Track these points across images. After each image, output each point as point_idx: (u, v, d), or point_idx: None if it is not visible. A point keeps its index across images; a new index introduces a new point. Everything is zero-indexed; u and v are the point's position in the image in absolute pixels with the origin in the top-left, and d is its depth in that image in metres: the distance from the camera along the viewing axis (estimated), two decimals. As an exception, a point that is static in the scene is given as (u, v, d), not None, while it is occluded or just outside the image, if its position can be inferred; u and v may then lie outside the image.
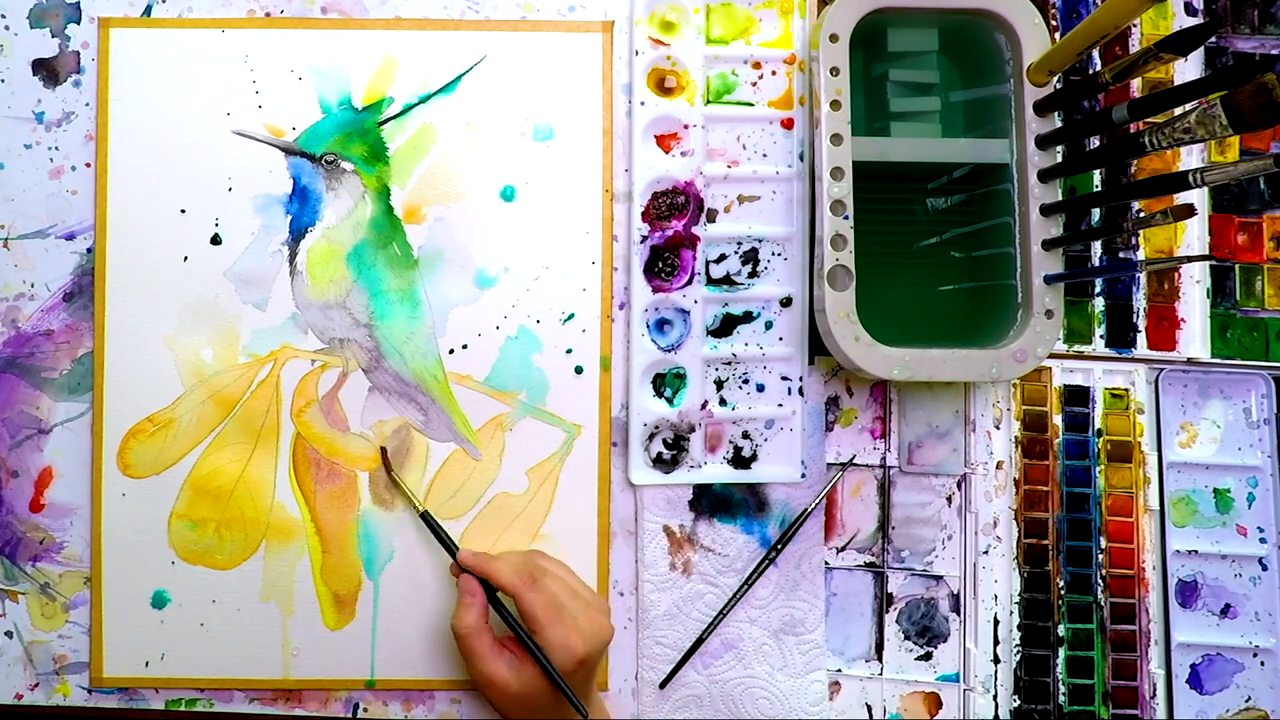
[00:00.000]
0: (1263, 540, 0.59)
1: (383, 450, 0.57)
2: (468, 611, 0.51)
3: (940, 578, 0.59)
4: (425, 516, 0.56)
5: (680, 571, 0.58)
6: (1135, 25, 0.62)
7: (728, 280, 0.59)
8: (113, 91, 0.58)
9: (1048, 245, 0.54)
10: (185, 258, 0.58)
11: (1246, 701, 0.58)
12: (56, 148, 0.59)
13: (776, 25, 0.60)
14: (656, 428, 0.58)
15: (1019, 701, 0.58)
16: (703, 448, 0.58)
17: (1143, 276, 0.61)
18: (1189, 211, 0.46)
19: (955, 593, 0.58)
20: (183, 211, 0.58)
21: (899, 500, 0.59)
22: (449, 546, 0.55)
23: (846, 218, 0.53)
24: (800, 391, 0.59)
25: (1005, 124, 0.56)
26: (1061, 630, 0.58)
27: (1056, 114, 0.58)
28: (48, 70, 0.59)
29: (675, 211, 0.59)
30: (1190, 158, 0.61)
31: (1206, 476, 0.60)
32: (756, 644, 0.58)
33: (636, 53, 0.59)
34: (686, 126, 0.59)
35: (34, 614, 0.58)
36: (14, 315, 0.58)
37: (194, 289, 0.58)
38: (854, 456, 0.59)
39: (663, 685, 0.57)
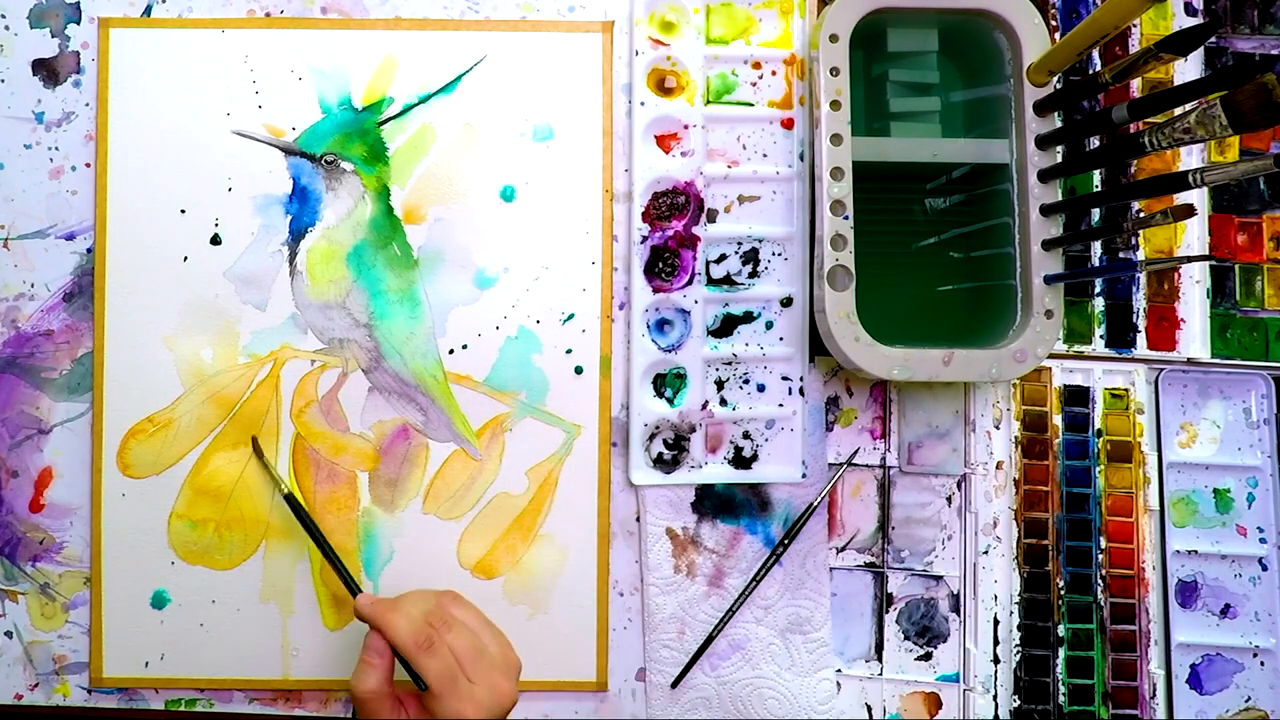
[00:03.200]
0: (1262, 540, 0.59)
1: (254, 439, 0.57)
2: (370, 674, 0.47)
3: (940, 578, 0.59)
4: (290, 498, 0.54)
5: (684, 574, 0.58)
6: (1135, 25, 0.62)
7: (728, 280, 0.59)
8: (113, 91, 0.58)
9: (1048, 245, 0.54)
10: (185, 258, 0.58)
11: (1246, 701, 0.58)
12: (56, 148, 0.59)
13: (776, 25, 0.60)
14: (657, 428, 0.58)
15: (1019, 701, 0.58)
16: (703, 448, 0.58)
17: (1143, 276, 0.61)
18: (1189, 211, 0.46)
19: (955, 593, 0.58)
20: (183, 211, 0.58)
21: (899, 500, 0.59)
22: (349, 584, 0.53)
23: (846, 218, 0.53)
24: (800, 391, 0.59)
25: (1005, 124, 0.56)
26: (1061, 630, 0.58)
27: (1056, 114, 0.58)
28: (48, 70, 0.59)
29: (675, 211, 0.59)
30: (1190, 158, 0.61)
31: (1206, 476, 0.60)
32: (764, 644, 0.58)
33: (636, 53, 0.59)
34: (686, 126, 0.59)
35: (34, 614, 0.58)
36: (14, 315, 0.58)
37: (194, 289, 0.58)
38: (858, 450, 0.59)
39: (674, 685, 0.57)
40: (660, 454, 0.58)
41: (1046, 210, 0.54)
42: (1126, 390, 0.60)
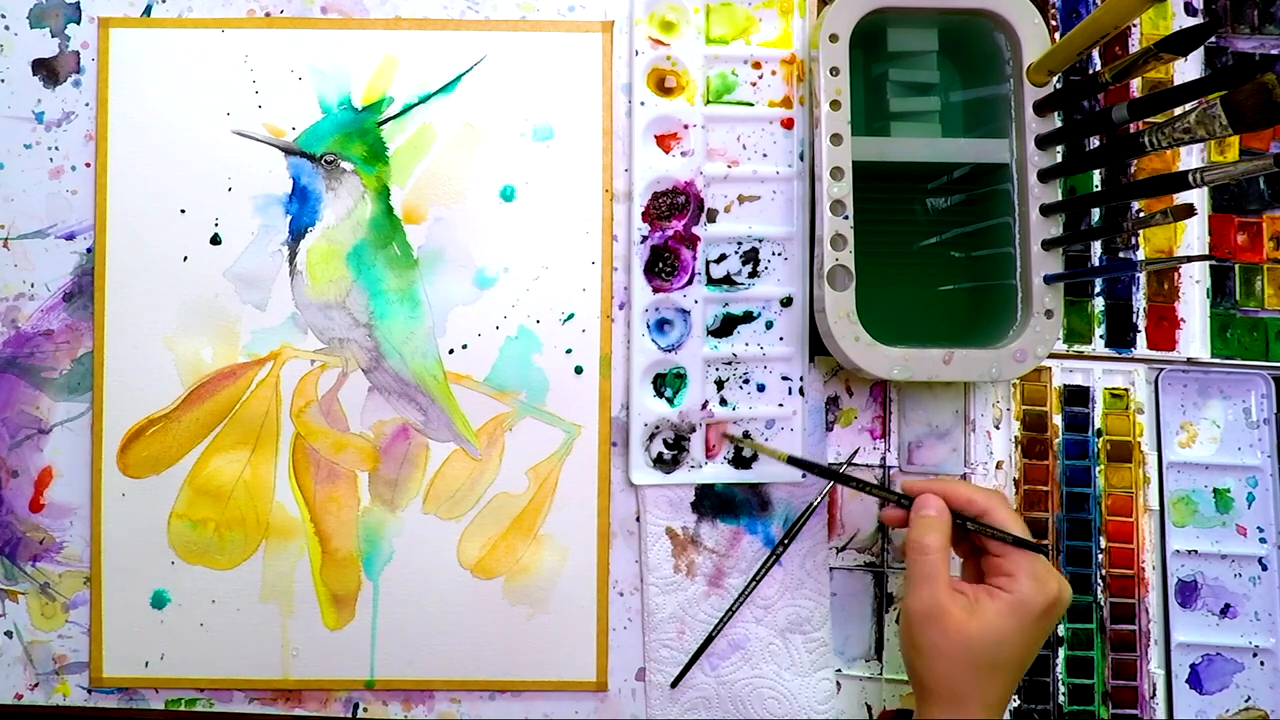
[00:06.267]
0: (1262, 540, 0.59)
1: (745, 435, 0.57)
2: (932, 528, 0.46)
3: (940, 578, 0.59)
4: (794, 463, 0.53)
5: (684, 574, 0.58)
6: (1135, 25, 0.62)
7: (728, 280, 0.59)
8: (113, 91, 0.58)
9: (1048, 245, 0.54)
10: (185, 258, 0.58)
11: (1246, 701, 0.58)
12: (56, 148, 0.59)
13: (776, 25, 0.60)
14: (657, 428, 0.58)
15: (1019, 701, 0.58)
16: (703, 448, 0.58)
17: (1143, 276, 0.61)
18: (1189, 211, 0.46)
19: (955, 593, 0.58)
20: (183, 211, 0.58)
21: (899, 500, 0.59)
22: (887, 493, 0.50)
23: (846, 218, 0.53)
24: (800, 391, 0.59)
25: (1005, 124, 0.56)
26: (1061, 630, 0.58)
27: (1056, 114, 0.58)
28: (48, 70, 0.59)
29: (675, 211, 0.59)
30: (1190, 158, 0.61)
31: (1206, 476, 0.60)
32: (764, 644, 0.58)
33: (636, 53, 0.59)
34: (686, 126, 0.59)
35: (34, 614, 0.58)
36: (14, 315, 0.58)
37: (194, 289, 0.58)
38: (857, 450, 0.59)
39: (674, 685, 0.57)
40: (660, 454, 0.58)
41: (1046, 210, 0.54)
42: (1126, 390, 0.60)
